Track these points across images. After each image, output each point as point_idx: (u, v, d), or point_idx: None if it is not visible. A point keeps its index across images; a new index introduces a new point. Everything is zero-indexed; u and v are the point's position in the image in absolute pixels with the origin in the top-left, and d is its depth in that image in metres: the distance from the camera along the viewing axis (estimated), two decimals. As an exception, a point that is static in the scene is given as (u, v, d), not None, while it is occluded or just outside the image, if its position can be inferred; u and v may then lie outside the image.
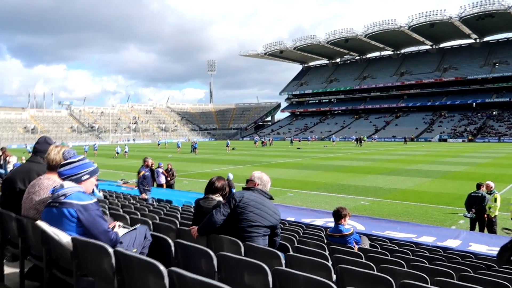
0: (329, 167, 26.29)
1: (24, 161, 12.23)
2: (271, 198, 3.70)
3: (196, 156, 38.30)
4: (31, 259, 3.15)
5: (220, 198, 3.93)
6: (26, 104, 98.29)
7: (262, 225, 3.52)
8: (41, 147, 3.74)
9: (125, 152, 39.58)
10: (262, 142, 59.52)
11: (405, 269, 3.64)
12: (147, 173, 10.65)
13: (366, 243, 5.61)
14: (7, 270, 3.49)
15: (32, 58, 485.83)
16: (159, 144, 58.85)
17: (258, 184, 3.75)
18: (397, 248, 5.77)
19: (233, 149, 49.70)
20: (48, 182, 3.03)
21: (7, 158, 11.82)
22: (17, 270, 3.32)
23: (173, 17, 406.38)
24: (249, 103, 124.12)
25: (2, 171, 12.43)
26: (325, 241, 5.42)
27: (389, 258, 4.35)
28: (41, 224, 2.56)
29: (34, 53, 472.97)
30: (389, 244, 6.36)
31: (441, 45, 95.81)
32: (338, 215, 5.30)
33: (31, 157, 3.75)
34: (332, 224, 5.90)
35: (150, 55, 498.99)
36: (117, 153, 40.19)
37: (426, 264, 4.28)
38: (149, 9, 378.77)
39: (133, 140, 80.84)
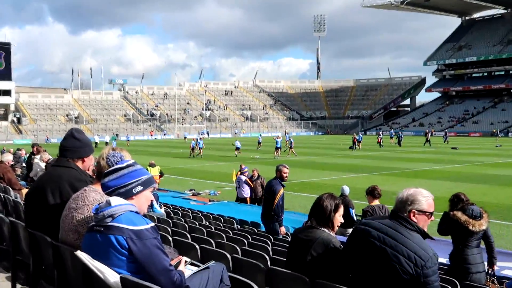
0: (504, 179, 24.72)
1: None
2: (419, 231, 3.40)
3: (296, 158, 38.58)
4: (71, 301, 3.40)
5: (328, 231, 3.85)
6: (69, 83, 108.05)
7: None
8: (68, 144, 3.88)
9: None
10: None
11: None
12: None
13: None
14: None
15: (79, 21, 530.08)
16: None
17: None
18: None
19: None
20: (95, 196, 3.21)
21: (39, 157, 12.96)
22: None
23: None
24: (375, 78, 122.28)
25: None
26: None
27: None
28: (82, 256, 2.71)
29: (81, 15, 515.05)
30: None
31: None
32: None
33: (57, 159, 3.95)
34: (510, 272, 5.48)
35: (234, 12, 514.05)
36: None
37: None
38: None
39: (207, 133, 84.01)
